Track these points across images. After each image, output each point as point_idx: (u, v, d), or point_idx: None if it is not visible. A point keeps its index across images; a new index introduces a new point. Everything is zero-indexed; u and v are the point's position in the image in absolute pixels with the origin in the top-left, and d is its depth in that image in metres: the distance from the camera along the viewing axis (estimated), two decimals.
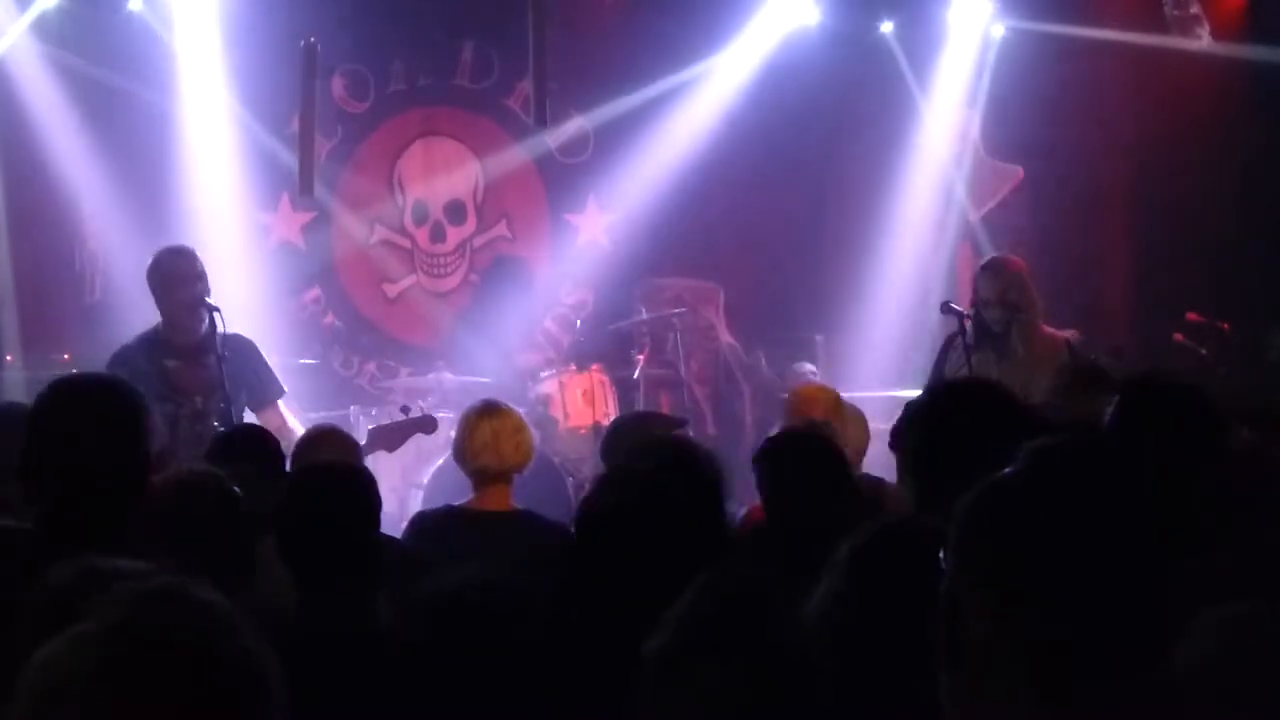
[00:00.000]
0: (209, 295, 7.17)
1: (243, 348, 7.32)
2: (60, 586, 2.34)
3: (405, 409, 7.83)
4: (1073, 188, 10.90)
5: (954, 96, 11.23)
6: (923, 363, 9.50)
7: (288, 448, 6.66)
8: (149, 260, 7.33)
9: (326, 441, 5.60)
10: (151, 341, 7.23)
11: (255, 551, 3.89)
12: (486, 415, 6.04)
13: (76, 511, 3.52)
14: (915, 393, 9.05)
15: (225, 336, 7.08)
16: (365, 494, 3.88)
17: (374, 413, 9.58)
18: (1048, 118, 10.85)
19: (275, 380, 7.57)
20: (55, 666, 1.57)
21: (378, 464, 8.96)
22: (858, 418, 6.45)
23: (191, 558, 3.72)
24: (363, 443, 7.01)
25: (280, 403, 7.54)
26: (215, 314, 7.08)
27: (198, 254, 7.34)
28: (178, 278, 7.20)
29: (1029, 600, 1.79)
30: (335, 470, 4.11)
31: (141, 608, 1.60)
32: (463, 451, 5.92)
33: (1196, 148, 10.56)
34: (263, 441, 5.30)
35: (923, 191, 11.23)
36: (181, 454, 6.78)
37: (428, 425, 7.71)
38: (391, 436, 7.57)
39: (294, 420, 7.60)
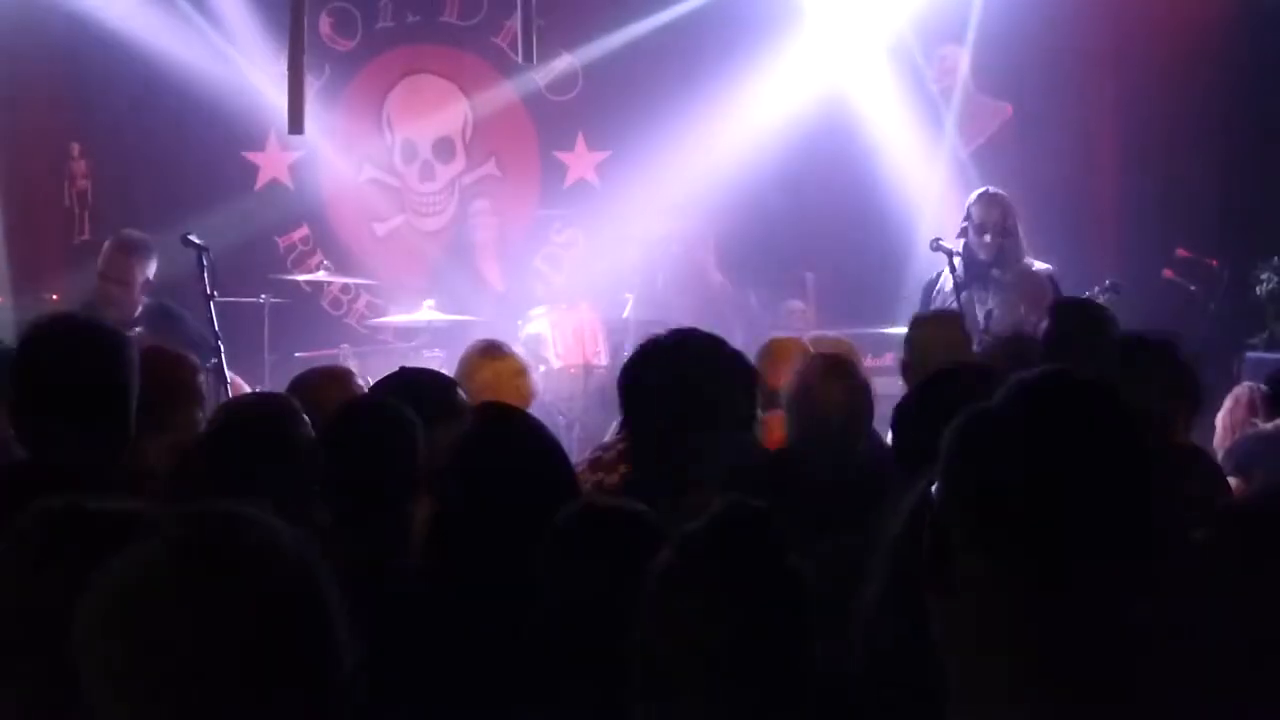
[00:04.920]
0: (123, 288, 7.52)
1: (167, 318, 7.55)
2: (35, 525, 2.35)
3: None
4: (1062, 123, 10.88)
5: (943, 33, 11.19)
6: (912, 299, 9.50)
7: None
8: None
9: (331, 382, 5.49)
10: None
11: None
12: (489, 357, 6.01)
13: (64, 450, 3.53)
14: (903, 330, 9.09)
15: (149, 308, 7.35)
16: (409, 430, 3.83)
17: (365, 350, 9.61)
18: (1037, 54, 10.82)
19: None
20: (121, 586, 1.64)
21: None
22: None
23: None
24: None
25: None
26: (204, 254, 7.15)
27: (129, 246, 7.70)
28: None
29: (1013, 528, 1.80)
30: (380, 407, 4.06)
31: (203, 525, 1.67)
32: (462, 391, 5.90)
33: (1186, 82, 10.54)
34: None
35: (913, 128, 11.20)
36: None
37: None
38: None
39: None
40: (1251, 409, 6.46)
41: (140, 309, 7.77)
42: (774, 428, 5.57)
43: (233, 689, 1.61)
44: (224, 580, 1.63)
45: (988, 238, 8.03)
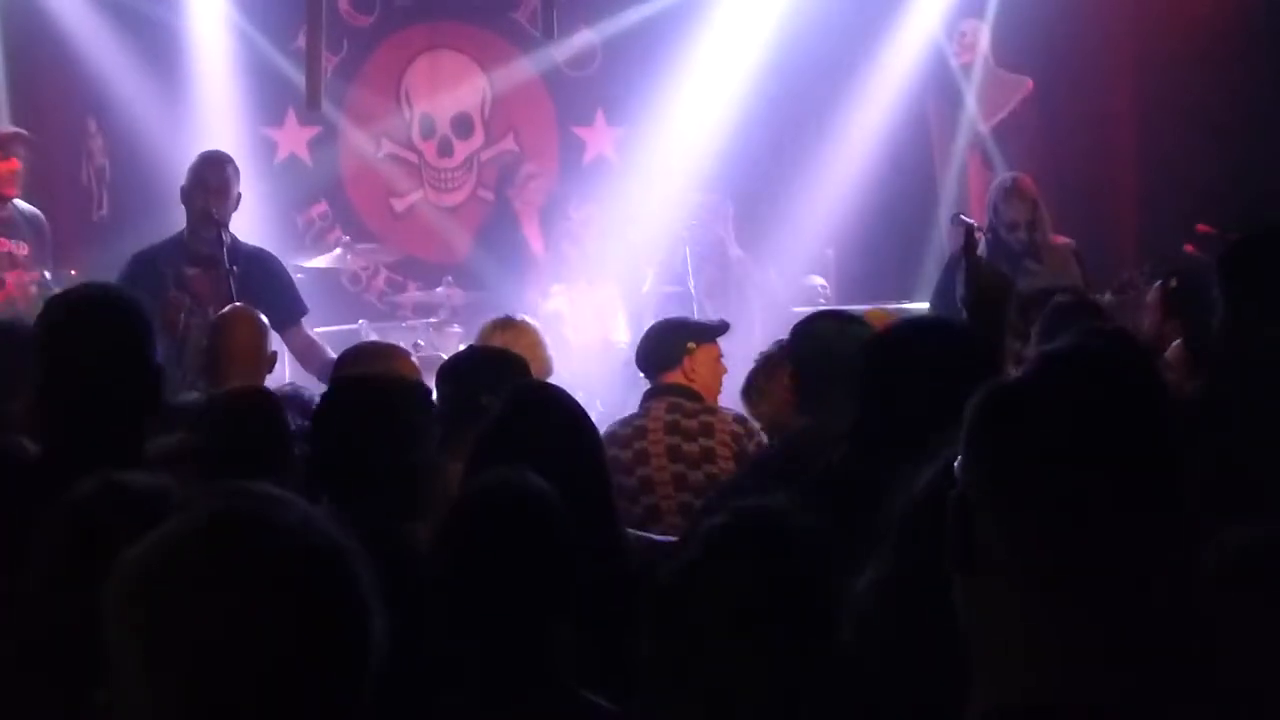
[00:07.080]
0: (219, 209, 7.25)
1: (264, 263, 7.37)
2: (80, 503, 2.35)
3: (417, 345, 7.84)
4: (1082, 98, 10.84)
5: (963, 8, 11.15)
6: (933, 275, 9.49)
7: (322, 369, 6.69)
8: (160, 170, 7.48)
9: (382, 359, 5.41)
10: (176, 246, 7.36)
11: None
12: (500, 329, 6.06)
13: (86, 428, 3.51)
14: (925, 305, 9.07)
15: (241, 251, 7.16)
16: (415, 411, 3.81)
17: (384, 326, 9.60)
18: (1058, 28, 10.77)
19: (298, 299, 7.57)
20: (156, 562, 1.62)
21: None
22: None
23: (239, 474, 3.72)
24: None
25: (304, 321, 7.55)
26: (224, 230, 7.14)
27: (228, 167, 7.44)
28: (196, 184, 7.36)
29: (1032, 503, 1.78)
30: (381, 383, 4.04)
31: (241, 502, 1.66)
32: None
33: (1207, 55, 10.49)
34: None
35: (933, 102, 11.16)
36: (186, 361, 6.83)
37: None
38: None
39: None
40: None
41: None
42: None
43: (268, 669, 1.59)
44: (264, 558, 1.61)
45: (1020, 234, 8.00)
